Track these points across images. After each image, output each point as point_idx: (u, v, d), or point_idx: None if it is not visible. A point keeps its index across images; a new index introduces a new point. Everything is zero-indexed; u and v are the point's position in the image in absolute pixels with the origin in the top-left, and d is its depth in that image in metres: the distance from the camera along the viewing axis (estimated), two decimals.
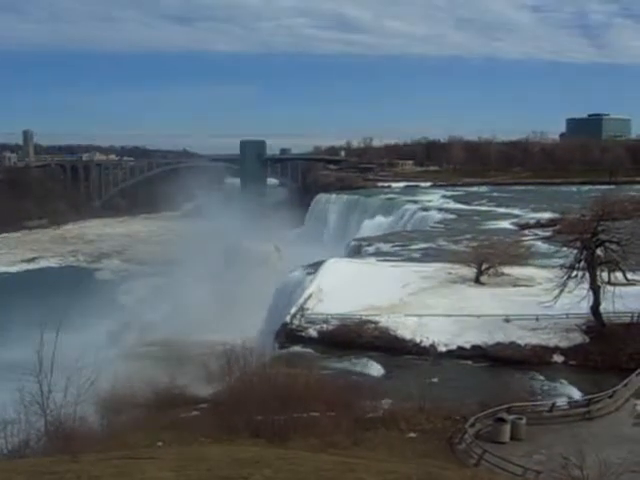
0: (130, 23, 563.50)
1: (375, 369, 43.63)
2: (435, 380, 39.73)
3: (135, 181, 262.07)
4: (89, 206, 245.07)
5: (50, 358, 28.48)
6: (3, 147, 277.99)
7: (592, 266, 47.19)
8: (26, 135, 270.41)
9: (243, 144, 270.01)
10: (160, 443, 29.07)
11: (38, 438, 29.12)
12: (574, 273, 47.60)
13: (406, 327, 48.39)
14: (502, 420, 31.49)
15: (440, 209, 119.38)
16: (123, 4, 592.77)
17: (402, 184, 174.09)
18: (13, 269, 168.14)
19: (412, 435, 32.12)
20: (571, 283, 47.31)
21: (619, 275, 47.76)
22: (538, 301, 48.46)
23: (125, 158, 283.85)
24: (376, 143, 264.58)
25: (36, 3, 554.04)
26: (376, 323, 49.16)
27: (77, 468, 22.68)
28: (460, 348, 46.11)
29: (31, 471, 22.44)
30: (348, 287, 57.85)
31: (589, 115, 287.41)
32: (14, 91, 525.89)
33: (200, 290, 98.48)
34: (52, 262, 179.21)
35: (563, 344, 45.74)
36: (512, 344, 45.81)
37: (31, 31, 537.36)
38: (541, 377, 41.98)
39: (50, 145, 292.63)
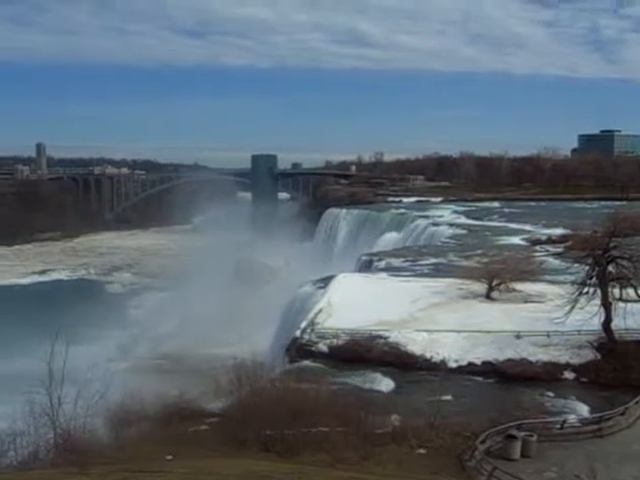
0: (143, 36, 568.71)
1: (385, 384, 43.45)
2: (445, 396, 39.51)
3: (146, 194, 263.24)
4: (101, 219, 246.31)
5: (60, 370, 28.57)
6: (16, 160, 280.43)
7: (604, 282, 46.91)
8: (39, 148, 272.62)
9: (255, 158, 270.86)
10: (169, 457, 29.01)
11: (47, 450, 29.14)
12: (585, 289, 47.28)
13: (416, 342, 48.22)
14: (513, 437, 31.29)
15: (451, 224, 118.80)
16: (137, 18, 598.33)
17: (413, 199, 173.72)
18: (24, 281, 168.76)
19: (422, 451, 31.93)
20: (582, 299, 46.96)
21: (631, 292, 47.43)
22: (549, 317, 48.16)
23: (137, 171, 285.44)
24: (387, 158, 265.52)
25: (49, 16, 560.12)
26: (386, 338, 48.99)
27: None
28: (470, 364, 45.86)
29: None
30: (358, 302, 57.74)
31: (601, 131, 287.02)
32: (27, 104, 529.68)
33: (210, 304, 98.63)
34: (63, 274, 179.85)
35: (574, 361, 45.47)
36: (523, 360, 45.53)
37: (44, 44, 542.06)
38: (552, 394, 41.69)
39: (62, 158, 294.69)
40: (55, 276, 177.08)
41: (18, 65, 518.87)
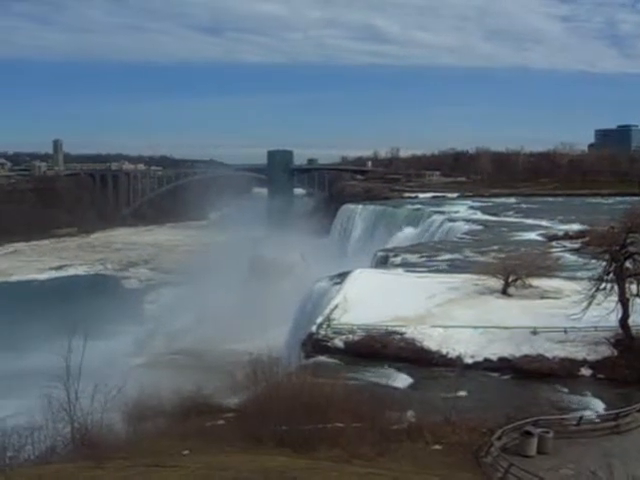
0: (160, 34, 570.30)
1: (401, 380, 43.42)
2: (461, 392, 39.44)
3: (163, 190, 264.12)
4: (117, 215, 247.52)
5: (78, 365, 28.74)
6: (33, 156, 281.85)
7: (621, 278, 46.67)
8: (56, 144, 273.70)
9: (271, 154, 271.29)
10: (186, 452, 29.13)
11: (64, 444, 29.32)
12: (602, 285, 47.07)
13: (432, 338, 48.16)
14: (529, 433, 31.18)
15: (467, 220, 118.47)
16: (153, 15, 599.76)
17: (429, 195, 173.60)
18: (42, 276, 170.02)
19: (437, 447, 31.89)
20: (599, 295, 46.75)
21: None
22: (566, 313, 48.02)
23: (153, 167, 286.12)
24: (403, 154, 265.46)
25: (66, 13, 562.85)
26: (402, 334, 48.95)
27: (102, 475, 22.84)
28: (487, 360, 45.75)
29: (57, 477, 22.61)
30: (374, 298, 57.70)
31: (618, 126, 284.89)
32: (44, 100, 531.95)
33: (226, 299, 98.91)
34: (80, 270, 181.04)
35: (591, 357, 45.25)
36: (539, 356, 45.36)
37: (61, 41, 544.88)
38: (568, 390, 41.55)
39: (79, 154, 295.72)
40: (72, 271, 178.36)
41: (34, 62, 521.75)
